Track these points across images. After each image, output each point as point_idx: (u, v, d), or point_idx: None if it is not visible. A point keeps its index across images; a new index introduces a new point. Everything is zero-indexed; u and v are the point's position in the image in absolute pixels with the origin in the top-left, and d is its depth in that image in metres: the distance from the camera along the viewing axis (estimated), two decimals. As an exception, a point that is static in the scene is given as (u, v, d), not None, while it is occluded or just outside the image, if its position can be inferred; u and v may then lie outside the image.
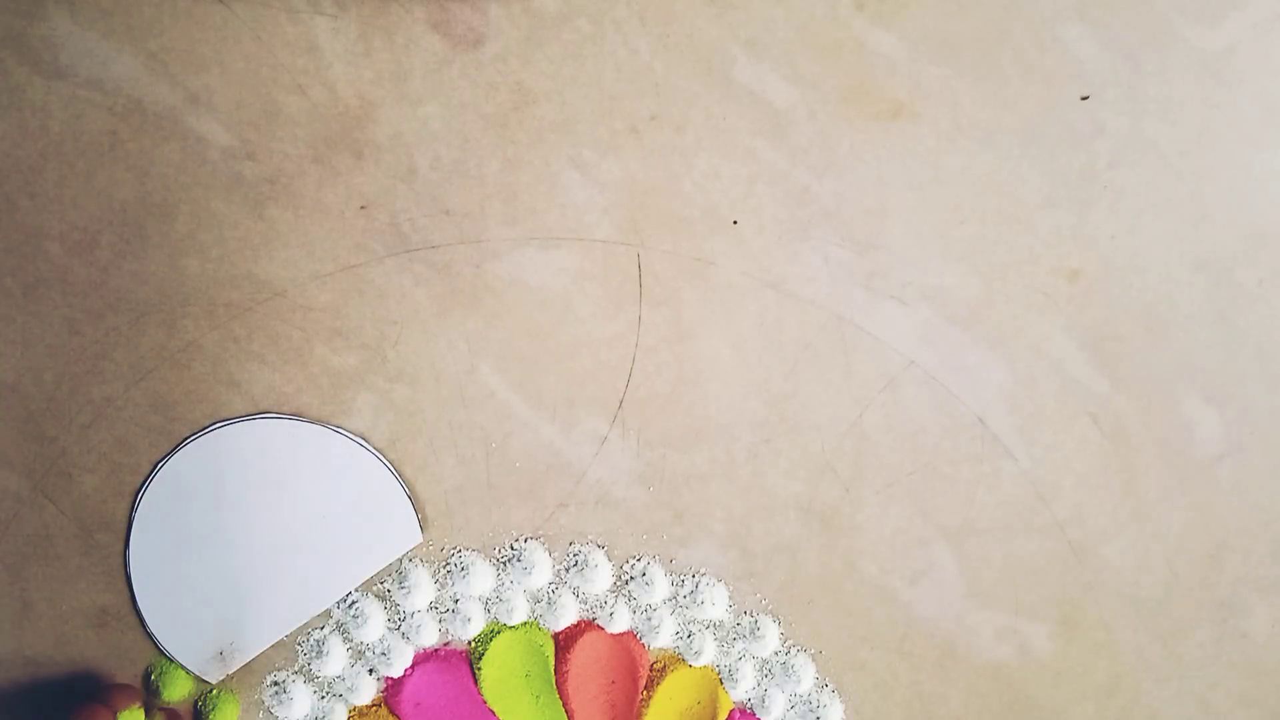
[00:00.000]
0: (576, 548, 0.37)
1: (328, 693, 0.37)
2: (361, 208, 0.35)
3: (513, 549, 0.37)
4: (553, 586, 0.37)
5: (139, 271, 0.35)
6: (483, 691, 0.38)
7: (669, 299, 0.36)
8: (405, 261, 0.36)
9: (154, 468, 0.36)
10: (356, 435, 0.36)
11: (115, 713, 0.31)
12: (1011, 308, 0.36)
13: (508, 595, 0.37)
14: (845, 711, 0.38)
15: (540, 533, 0.37)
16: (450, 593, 0.37)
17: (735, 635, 0.38)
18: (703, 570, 0.37)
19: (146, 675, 0.36)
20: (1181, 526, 0.37)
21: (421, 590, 0.37)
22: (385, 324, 0.36)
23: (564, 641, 0.37)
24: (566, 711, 0.38)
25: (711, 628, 0.38)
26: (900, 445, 0.37)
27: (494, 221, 0.36)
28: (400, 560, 0.37)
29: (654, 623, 0.37)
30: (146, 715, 0.33)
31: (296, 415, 0.36)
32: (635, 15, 0.35)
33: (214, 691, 0.36)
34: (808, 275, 0.36)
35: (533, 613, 0.37)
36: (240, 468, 0.36)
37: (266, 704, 0.37)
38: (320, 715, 0.37)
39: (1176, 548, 0.37)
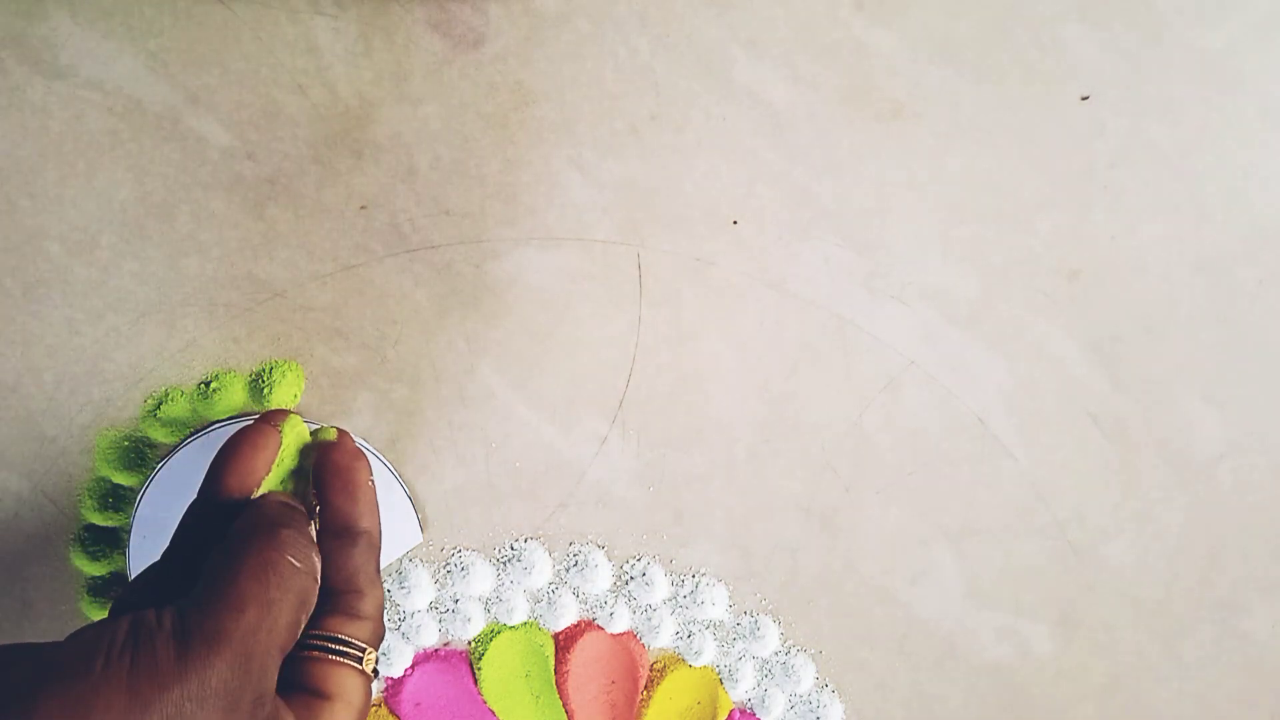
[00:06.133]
0: (576, 548, 0.37)
1: (328, 693, 0.37)
2: (361, 208, 0.35)
3: (513, 549, 0.37)
4: (553, 586, 0.37)
5: (139, 271, 0.35)
6: (483, 691, 0.38)
7: (669, 299, 0.36)
8: (405, 261, 0.36)
9: (154, 468, 0.36)
10: (356, 435, 0.36)
11: (277, 427, 0.30)
12: (1011, 308, 0.36)
13: (508, 595, 0.37)
14: (845, 711, 0.38)
15: (540, 533, 0.37)
16: (450, 593, 0.37)
17: (735, 635, 0.37)
18: (703, 570, 0.37)
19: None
20: (1181, 526, 0.37)
21: (421, 590, 0.37)
22: (385, 324, 0.36)
23: (564, 641, 0.37)
24: (566, 711, 0.38)
25: (711, 628, 0.38)
26: (900, 445, 0.37)
27: (494, 221, 0.36)
28: (400, 560, 0.37)
29: (654, 623, 0.37)
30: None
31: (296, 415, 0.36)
32: (635, 15, 0.35)
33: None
34: (808, 275, 0.36)
35: (533, 613, 0.37)
36: (240, 468, 0.36)
37: (266, 704, 0.37)
38: (320, 715, 0.37)
39: (1176, 548, 0.37)
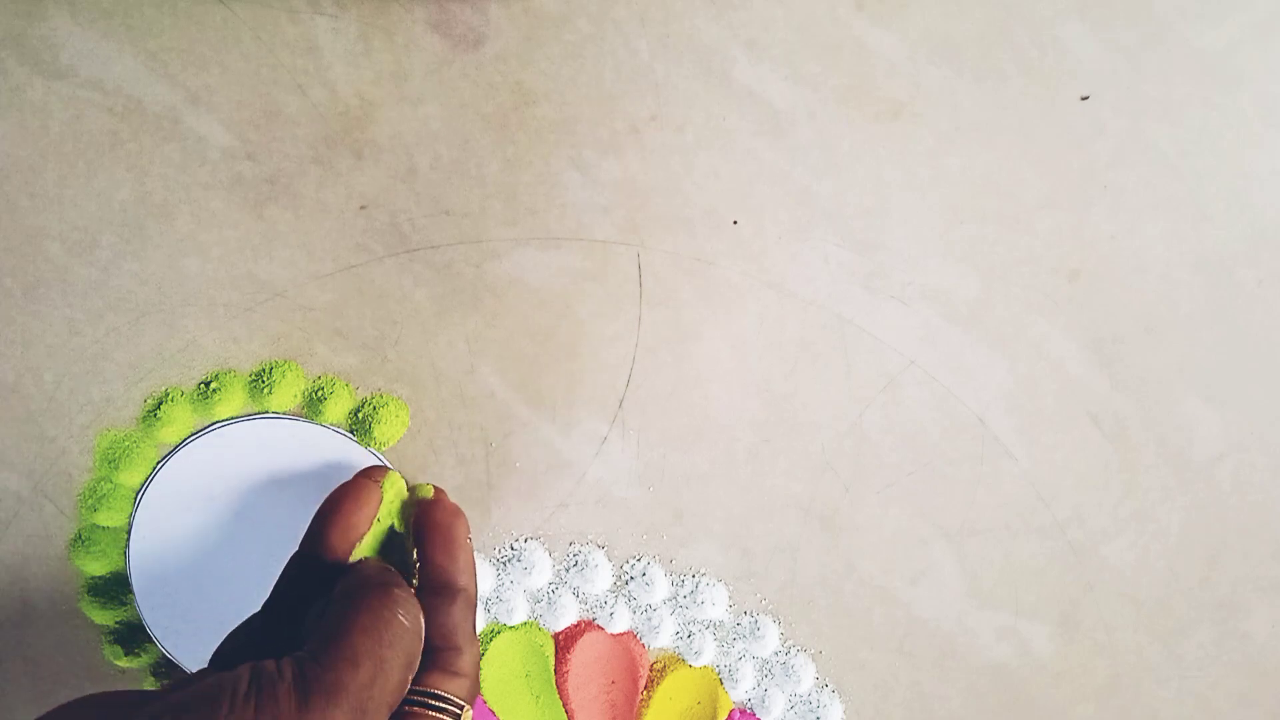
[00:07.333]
0: (576, 548, 0.37)
1: (328, 693, 0.37)
2: (361, 208, 0.35)
3: (513, 549, 0.37)
4: (553, 586, 0.37)
5: (139, 271, 0.35)
6: (483, 691, 0.38)
7: (669, 299, 0.36)
8: (405, 261, 0.36)
9: (154, 468, 0.36)
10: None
11: (378, 483, 0.32)
12: (1011, 308, 0.36)
13: (508, 595, 0.37)
14: (845, 711, 0.38)
15: (540, 533, 0.37)
16: (450, 593, 0.37)
17: (735, 635, 0.37)
18: (703, 570, 0.37)
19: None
20: (1181, 526, 0.37)
21: (421, 590, 0.37)
22: (385, 324, 0.36)
23: (564, 641, 0.37)
24: (566, 711, 0.38)
25: (711, 628, 0.38)
26: (900, 445, 0.37)
27: (494, 221, 0.36)
28: (400, 560, 0.37)
29: (654, 623, 0.37)
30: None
31: (297, 415, 0.36)
32: (635, 15, 0.35)
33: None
34: (808, 275, 0.36)
35: (533, 613, 0.37)
36: (240, 468, 0.36)
37: (266, 704, 0.37)
38: (320, 715, 0.37)
39: (1176, 548, 0.37)
